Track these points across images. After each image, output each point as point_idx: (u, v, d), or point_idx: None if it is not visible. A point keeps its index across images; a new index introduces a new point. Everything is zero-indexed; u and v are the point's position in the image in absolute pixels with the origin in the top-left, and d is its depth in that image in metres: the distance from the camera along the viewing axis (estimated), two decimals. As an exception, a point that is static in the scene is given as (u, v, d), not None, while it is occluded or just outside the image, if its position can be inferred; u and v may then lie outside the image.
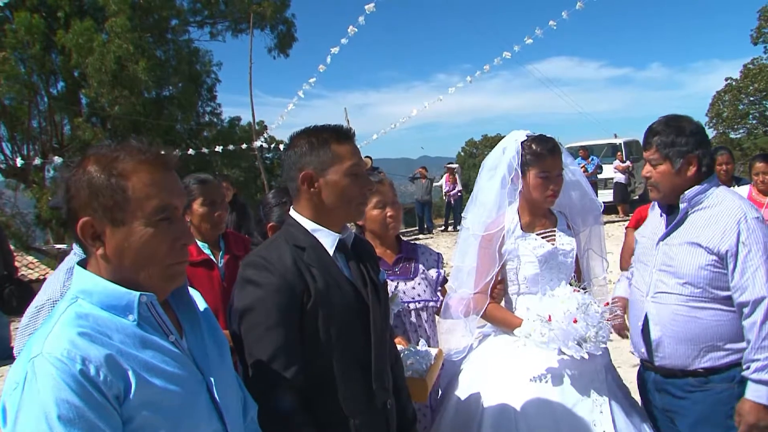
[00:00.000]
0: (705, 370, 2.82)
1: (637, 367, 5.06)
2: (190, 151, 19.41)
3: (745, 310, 2.70)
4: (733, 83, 34.57)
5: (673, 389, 2.94)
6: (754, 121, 35.41)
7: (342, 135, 2.21)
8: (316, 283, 2.09)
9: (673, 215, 2.95)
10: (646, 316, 2.97)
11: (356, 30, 11.58)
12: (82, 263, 1.59)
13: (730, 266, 2.73)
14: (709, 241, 2.77)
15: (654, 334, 2.93)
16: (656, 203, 3.11)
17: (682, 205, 2.89)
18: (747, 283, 2.69)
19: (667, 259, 2.91)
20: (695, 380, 2.85)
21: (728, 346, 2.79)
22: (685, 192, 2.87)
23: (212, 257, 3.36)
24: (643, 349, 3.02)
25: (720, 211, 2.81)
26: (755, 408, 2.67)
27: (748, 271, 2.68)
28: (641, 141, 3.08)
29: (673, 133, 2.89)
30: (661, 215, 3.04)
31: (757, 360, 2.66)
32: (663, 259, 2.93)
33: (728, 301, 2.78)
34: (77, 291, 1.52)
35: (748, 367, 2.69)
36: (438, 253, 3.55)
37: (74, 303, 1.50)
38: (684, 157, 2.86)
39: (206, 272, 3.26)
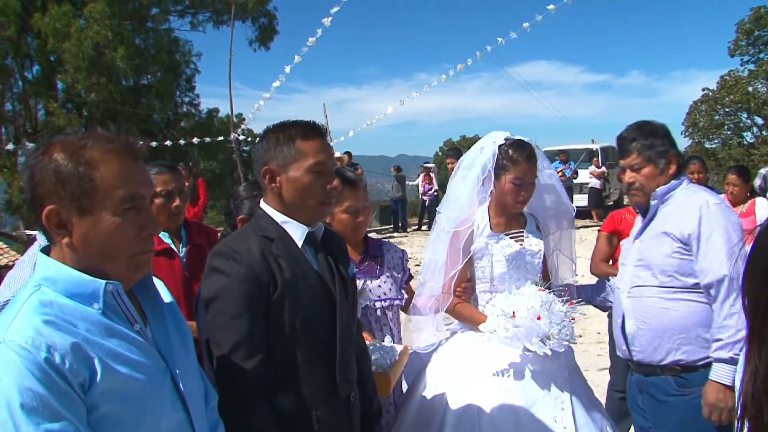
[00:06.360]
0: (681, 367, 2.87)
1: (605, 371, 5.15)
2: (167, 142, 19.19)
3: (711, 292, 2.78)
4: (710, 94, 35.02)
5: (653, 390, 2.99)
6: (728, 132, 35.92)
7: (309, 131, 2.21)
8: (283, 273, 2.11)
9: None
10: (623, 312, 3.05)
11: (331, 17, 11.46)
12: (45, 250, 1.58)
13: (694, 249, 2.82)
14: (674, 228, 2.88)
15: (629, 328, 3.01)
16: (637, 207, 3.19)
17: (653, 202, 3.01)
18: (709, 264, 2.77)
19: (640, 254, 3.01)
20: (674, 380, 2.90)
21: (700, 338, 2.83)
22: (656, 190, 2.99)
23: (173, 247, 3.32)
24: (624, 347, 3.09)
25: (684, 201, 2.94)
26: (715, 387, 2.72)
27: (711, 253, 2.76)
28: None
29: (651, 136, 3.00)
30: (639, 216, 3.16)
31: (719, 339, 2.73)
32: (637, 254, 3.03)
33: (698, 290, 2.85)
34: (40, 278, 1.51)
35: (713, 348, 2.76)
36: (402, 251, 3.57)
37: (38, 290, 1.48)
38: (665, 157, 2.98)
39: (167, 261, 3.23)
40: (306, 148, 2.17)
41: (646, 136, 3.01)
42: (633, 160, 3.02)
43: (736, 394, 2.30)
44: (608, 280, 3.60)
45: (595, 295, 3.56)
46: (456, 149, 11.25)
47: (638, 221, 3.19)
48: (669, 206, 2.98)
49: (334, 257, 2.31)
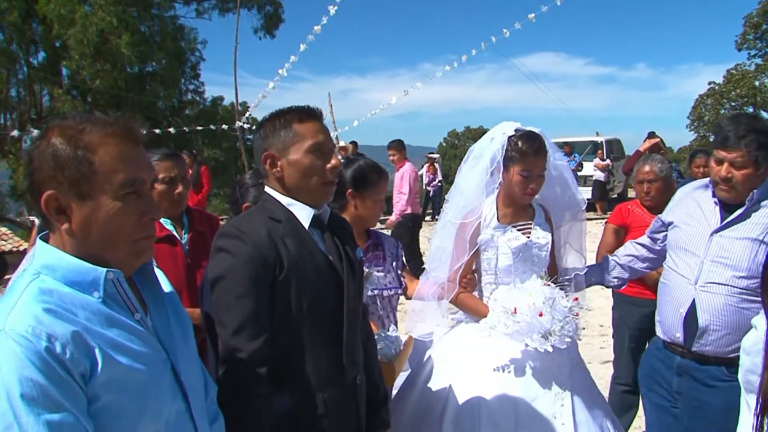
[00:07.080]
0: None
1: (609, 363, 5.13)
2: (171, 130, 19.17)
3: None
4: (716, 87, 35.02)
5: (703, 376, 2.99)
6: (734, 126, 35.83)
7: (305, 114, 2.22)
8: (290, 253, 2.10)
9: (729, 210, 3.00)
10: (693, 303, 3.00)
11: (336, 6, 11.35)
12: (45, 237, 1.55)
13: None
14: None
15: (702, 321, 2.96)
16: (714, 198, 3.08)
17: (747, 202, 2.95)
18: None
19: (722, 251, 2.96)
20: (728, 369, 2.89)
21: None
22: (754, 191, 2.93)
23: (175, 233, 3.29)
24: (679, 334, 3.06)
25: None
26: None
27: None
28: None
29: (762, 135, 2.89)
30: (715, 206, 3.07)
31: None
32: (717, 251, 2.97)
33: None
34: (40, 266, 1.48)
35: None
36: (396, 240, 3.61)
37: (37, 278, 1.45)
38: (767, 160, 2.91)
39: (169, 248, 3.20)
40: (303, 130, 2.18)
41: (757, 134, 2.89)
42: (737, 157, 2.89)
43: (743, 387, 2.30)
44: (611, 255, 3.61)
45: (602, 274, 3.57)
46: (398, 141, 10.89)
47: (703, 206, 3.12)
48: (763, 211, 2.94)
49: (341, 239, 2.30)
